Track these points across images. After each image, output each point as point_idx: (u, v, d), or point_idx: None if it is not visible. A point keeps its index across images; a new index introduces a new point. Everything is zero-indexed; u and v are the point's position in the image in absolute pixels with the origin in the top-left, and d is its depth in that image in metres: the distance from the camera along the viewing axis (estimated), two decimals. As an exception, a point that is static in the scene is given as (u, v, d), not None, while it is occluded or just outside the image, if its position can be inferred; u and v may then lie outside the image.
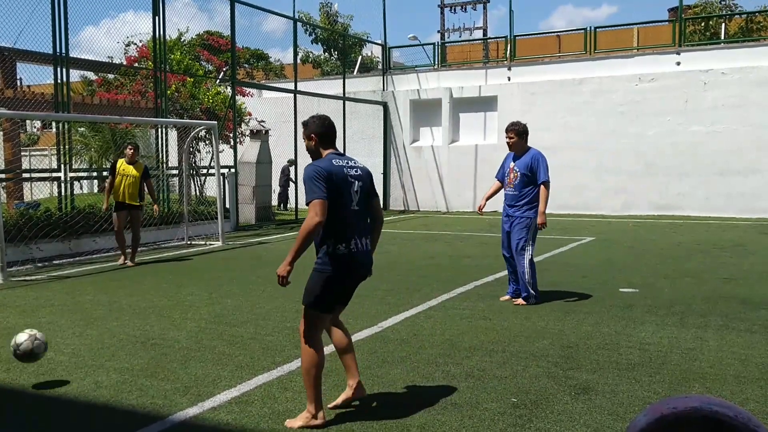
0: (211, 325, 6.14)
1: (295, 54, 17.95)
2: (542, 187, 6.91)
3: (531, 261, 6.96)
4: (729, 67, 16.98)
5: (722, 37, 20.76)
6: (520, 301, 6.97)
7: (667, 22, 22.45)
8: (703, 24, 22.24)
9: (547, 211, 6.97)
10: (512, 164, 7.14)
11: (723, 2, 22.70)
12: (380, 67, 23.28)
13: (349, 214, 4.00)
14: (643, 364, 4.87)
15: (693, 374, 4.63)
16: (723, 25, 21.38)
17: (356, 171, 4.08)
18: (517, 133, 7.12)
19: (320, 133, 4.14)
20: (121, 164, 10.00)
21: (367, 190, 4.09)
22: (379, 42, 22.75)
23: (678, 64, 17.73)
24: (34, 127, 28.85)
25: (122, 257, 10.13)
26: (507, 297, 7.19)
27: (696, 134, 17.12)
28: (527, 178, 6.96)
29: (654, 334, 5.66)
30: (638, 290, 7.56)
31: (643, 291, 7.52)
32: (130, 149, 10.05)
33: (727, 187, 16.76)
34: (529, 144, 7.09)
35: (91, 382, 4.60)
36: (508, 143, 7.20)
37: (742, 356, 5.01)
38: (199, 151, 16.51)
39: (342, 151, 4.24)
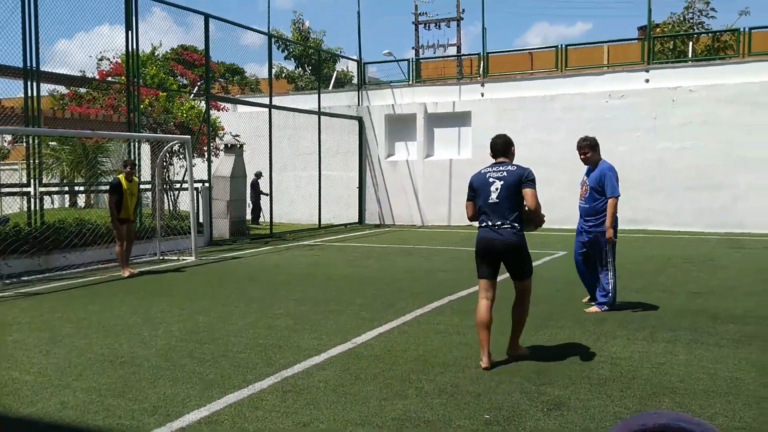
0: (181, 343, 6.06)
1: (270, 69, 17.95)
2: (611, 201, 7.07)
3: (614, 273, 7.23)
4: (696, 84, 17.33)
5: (690, 56, 21.18)
6: (594, 308, 7.25)
7: (636, 41, 22.88)
8: (671, 42, 22.67)
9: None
10: (585, 178, 7.34)
11: (690, 21, 23.18)
12: (355, 82, 23.36)
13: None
14: (614, 378, 4.90)
15: (663, 388, 4.67)
16: (690, 43, 21.82)
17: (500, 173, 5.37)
18: (590, 148, 7.32)
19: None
20: (124, 182, 10.44)
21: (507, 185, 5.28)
22: (354, 57, 22.85)
23: (647, 81, 18.05)
24: (4, 141, 28.42)
25: (126, 270, 10.35)
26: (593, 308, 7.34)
27: (665, 150, 17.41)
28: (593, 191, 7.17)
29: (625, 349, 5.71)
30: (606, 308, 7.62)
31: (614, 305, 7.57)
32: (130, 168, 10.61)
33: (696, 202, 17.05)
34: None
35: (56, 402, 4.51)
36: (583, 160, 7.38)
37: (711, 370, 5.07)
38: (172, 165, 16.37)
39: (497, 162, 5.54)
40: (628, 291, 8.55)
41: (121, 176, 10.56)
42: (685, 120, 17.25)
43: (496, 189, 5.28)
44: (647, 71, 18.18)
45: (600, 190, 7.15)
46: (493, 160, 5.57)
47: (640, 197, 17.24)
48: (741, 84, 16.88)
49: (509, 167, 5.38)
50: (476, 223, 5.51)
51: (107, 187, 12.22)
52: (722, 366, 5.18)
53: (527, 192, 5.24)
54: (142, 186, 14.23)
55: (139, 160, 14.00)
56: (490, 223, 5.29)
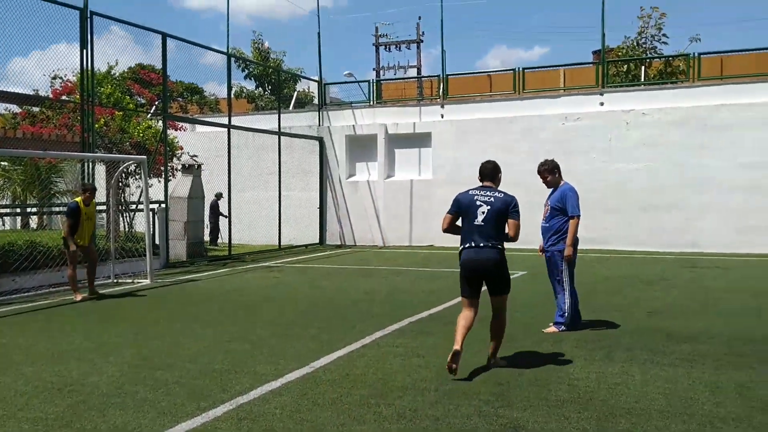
0: (134, 369, 5.89)
1: (229, 88, 17.84)
2: (572, 221, 7.23)
3: (572, 291, 7.36)
4: (649, 107, 17.78)
5: (642, 80, 21.74)
6: (551, 329, 7.35)
7: (591, 64, 23.38)
8: (624, 66, 23.25)
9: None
10: (547, 199, 7.52)
11: (643, 46, 23.82)
12: (316, 102, 23.36)
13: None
14: (571, 400, 4.92)
15: (619, 409, 4.70)
16: (643, 67, 22.41)
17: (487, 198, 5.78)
18: (549, 171, 7.52)
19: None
20: (82, 206, 10.23)
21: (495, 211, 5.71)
22: (315, 78, 22.87)
23: (602, 104, 18.45)
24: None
25: (78, 294, 10.08)
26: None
27: (620, 171, 17.77)
28: (555, 210, 7.34)
29: (582, 369, 5.74)
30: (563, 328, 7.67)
31: (579, 324, 7.62)
32: (89, 193, 10.42)
33: (651, 222, 17.41)
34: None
35: (0, 434, 4.33)
36: (545, 183, 7.57)
37: (666, 390, 5.13)
38: (128, 186, 16.06)
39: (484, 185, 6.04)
40: (585, 311, 8.61)
41: (79, 199, 10.32)
42: (639, 142, 17.66)
43: (483, 212, 5.73)
44: (602, 94, 18.60)
45: (560, 210, 7.33)
46: (480, 183, 6.06)
47: (596, 217, 17.52)
48: (691, 107, 17.38)
49: (496, 193, 5.83)
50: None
51: (63, 209, 11.93)
52: (677, 386, 5.25)
53: (512, 222, 5.73)
54: (97, 207, 13.94)
55: (94, 181, 13.71)
56: (473, 244, 5.70)
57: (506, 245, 5.78)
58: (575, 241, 7.36)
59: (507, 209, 5.72)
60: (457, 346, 5.43)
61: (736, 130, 16.81)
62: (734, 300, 9.54)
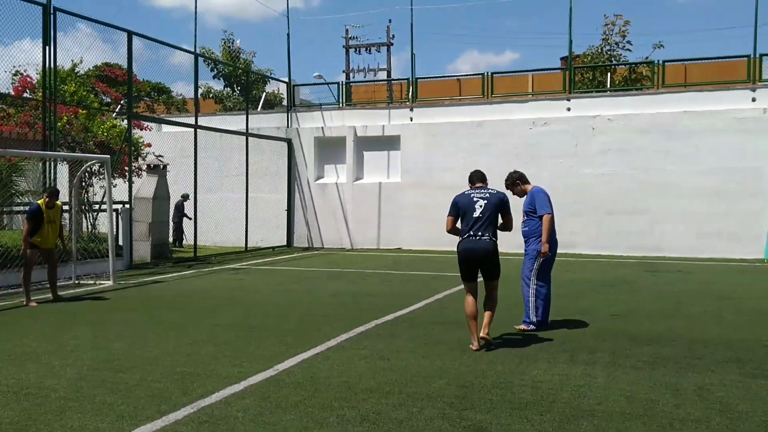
0: (93, 372, 5.76)
1: (196, 88, 17.63)
2: (543, 219, 7.45)
3: (537, 290, 7.59)
4: (614, 113, 18.05)
5: (608, 86, 22.07)
6: (521, 326, 7.57)
7: (558, 70, 23.66)
8: (591, 73, 23.57)
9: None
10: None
11: (608, 53, 24.17)
12: (285, 103, 23.23)
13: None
14: (535, 402, 4.94)
15: (582, 411, 4.73)
16: (609, 74, 22.75)
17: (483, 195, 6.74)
18: (512, 185, 7.91)
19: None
20: (44, 209, 9.88)
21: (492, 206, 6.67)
22: (284, 79, 22.75)
23: (568, 109, 18.68)
24: None
25: (30, 301, 9.62)
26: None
27: (586, 176, 18.00)
28: (529, 214, 7.60)
29: (546, 372, 5.78)
30: (532, 327, 7.73)
31: (537, 329, 7.69)
32: (53, 197, 10.09)
33: (615, 226, 17.66)
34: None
35: (-49, 439, 4.20)
36: (515, 195, 7.88)
37: (628, 393, 5.19)
38: (92, 186, 15.77)
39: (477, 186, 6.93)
40: (550, 314, 8.69)
41: (41, 201, 10.02)
42: (604, 147, 17.91)
43: (480, 206, 6.64)
44: (569, 100, 18.83)
45: (533, 212, 7.60)
46: (470, 186, 6.98)
47: (562, 221, 17.59)
48: (655, 114, 17.68)
49: (490, 190, 6.78)
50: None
51: (24, 209, 11.62)
52: (639, 388, 5.31)
53: (507, 217, 6.77)
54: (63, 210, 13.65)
55: (56, 181, 13.44)
56: (471, 234, 6.61)
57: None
58: (555, 242, 7.64)
59: (501, 204, 6.67)
60: (475, 344, 6.50)
61: (699, 136, 17.16)
62: (696, 303, 9.71)
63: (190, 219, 18.38)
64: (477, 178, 7.02)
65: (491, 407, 4.81)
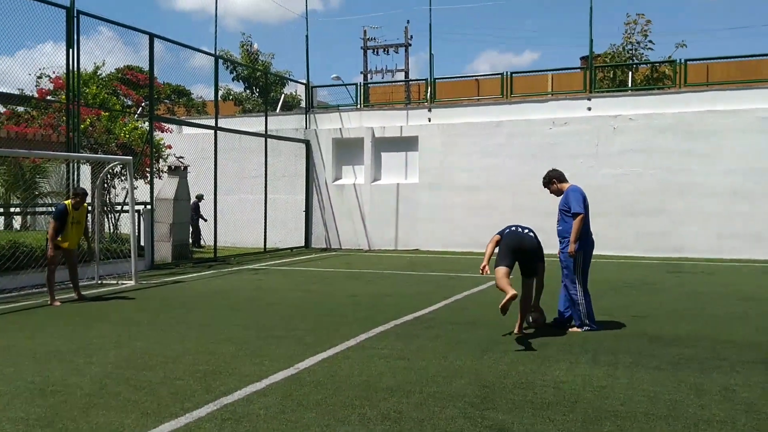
0: (117, 370, 5.83)
1: (216, 90, 17.74)
2: (574, 219, 7.43)
3: (584, 291, 7.56)
4: (635, 113, 17.91)
5: (629, 85, 21.90)
6: (574, 329, 7.51)
7: (578, 70, 23.54)
8: (611, 72, 23.41)
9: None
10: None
11: (630, 52, 24.01)
12: (303, 105, 23.31)
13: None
14: (557, 402, 4.92)
15: (605, 412, 4.70)
16: (630, 73, 22.58)
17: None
18: (548, 183, 7.87)
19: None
20: (70, 209, 9.93)
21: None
22: (302, 81, 22.84)
23: (589, 109, 18.55)
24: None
25: (54, 300, 9.70)
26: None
27: (606, 176, 17.87)
28: (564, 213, 7.58)
29: (568, 372, 5.74)
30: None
31: (558, 330, 7.65)
32: (80, 198, 10.09)
33: (636, 227, 17.51)
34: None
35: (-21, 434, 4.26)
36: (553, 194, 7.91)
37: (651, 393, 5.14)
38: (114, 188, 15.94)
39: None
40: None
41: (68, 202, 10.07)
42: (625, 147, 17.77)
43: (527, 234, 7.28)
44: (589, 99, 18.70)
45: (567, 212, 7.57)
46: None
47: (582, 222, 17.60)
48: (677, 113, 17.51)
49: (531, 233, 7.33)
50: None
51: (47, 209, 11.72)
52: (662, 389, 5.26)
53: (541, 267, 7.43)
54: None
55: (79, 181, 13.59)
56: (519, 229, 7.24)
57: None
58: (591, 242, 7.65)
59: (540, 252, 7.37)
60: (511, 292, 6.68)
61: (721, 136, 16.97)
62: (719, 304, 9.60)
63: (206, 221, 18.50)
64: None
65: (513, 407, 4.80)
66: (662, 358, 6.28)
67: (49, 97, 15.39)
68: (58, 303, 9.65)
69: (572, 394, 5.12)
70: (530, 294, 7.30)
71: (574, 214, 7.44)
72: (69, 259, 10.20)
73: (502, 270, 7.04)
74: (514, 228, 7.31)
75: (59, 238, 9.87)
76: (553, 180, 7.84)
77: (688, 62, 19.10)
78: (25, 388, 5.27)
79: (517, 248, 7.11)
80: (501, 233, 7.33)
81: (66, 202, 10.19)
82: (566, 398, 5.01)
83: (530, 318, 7.48)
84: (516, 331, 7.19)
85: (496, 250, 7.27)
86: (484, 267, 7.09)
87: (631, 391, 5.20)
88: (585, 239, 7.54)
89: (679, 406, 4.84)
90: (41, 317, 8.69)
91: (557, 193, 7.83)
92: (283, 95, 27.88)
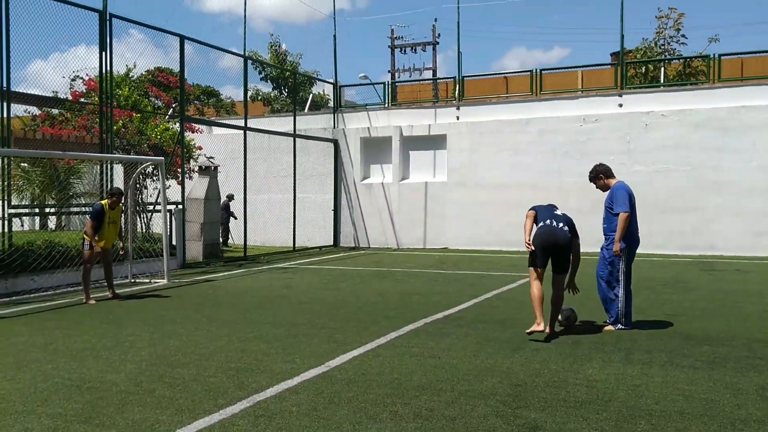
0: (151, 367, 5.92)
1: (246, 91, 17.90)
2: (619, 217, 7.33)
3: (626, 290, 7.41)
4: (668, 109, 17.65)
5: (661, 81, 21.58)
6: (609, 327, 7.41)
7: (609, 66, 23.25)
8: (643, 68, 23.09)
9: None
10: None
11: (662, 47, 23.66)
12: (331, 104, 23.40)
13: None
14: (590, 401, 4.87)
15: (639, 411, 4.65)
16: (662, 69, 22.26)
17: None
18: (594, 178, 7.74)
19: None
20: (107, 209, 10.04)
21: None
22: (330, 80, 22.92)
23: (620, 105, 18.33)
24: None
25: (89, 298, 9.87)
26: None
27: (638, 173, 17.63)
28: (609, 210, 7.49)
29: (601, 371, 5.69)
30: (583, 325, 7.63)
31: (590, 328, 7.59)
32: (116, 197, 10.17)
33: (668, 225, 17.26)
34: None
35: (20, 428, 4.36)
36: (599, 189, 7.78)
37: (686, 392, 5.07)
38: (146, 188, 16.18)
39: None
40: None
41: (105, 202, 10.15)
42: (658, 144, 17.53)
43: (557, 219, 7.11)
44: (620, 96, 18.48)
45: (612, 209, 7.48)
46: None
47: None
48: (711, 109, 17.23)
49: (563, 218, 7.16)
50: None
51: (81, 209, 11.86)
52: (697, 388, 5.18)
53: (577, 243, 7.24)
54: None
55: (112, 182, 13.81)
56: (551, 223, 7.02)
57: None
58: (636, 240, 7.51)
59: (573, 234, 7.14)
60: (540, 324, 6.78)
61: (756, 132, 16.66)
62: (754, 303, 9.42)
63: (236, 218, 18.69)
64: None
65: (545, 406, 4.77)
66: (697, 356, 6.19)
67: (82, 100, 15.66)
68: (93, 301, 9.83)
69: (605, 392, 5.07)
70: (561, 292, 7.17)
71: (619, 212, 7.31)
72: (104, 259, 10.35)
73: (535, 273, 7.02)
74: (548, 222, 7.06)
75: (96, 238, 10.02)
76: (600, 175, 7.70)
77: (722, 57, 18.75)
78: (63, 385, 5.38)
79: (550, 245, 6.98)
80: (536, 209, 7.27)
81: (102, 202, 10.31)
82: (599, 397, 4.96)
83: (562, 316, 7.38)
84: (547, 330, 7.08)
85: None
86: (529, 243, 7.04)
87: (665, 389, 5.14)
88: (631, 238, 7.41)
89: (715, 405, 4.77)
90: (77, 315, 8.85)
91: (603, 188, 7.70)
92: (311, 95, 28.01)
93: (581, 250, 7.33)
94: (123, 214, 10.87)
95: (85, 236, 10.08)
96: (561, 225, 7.02)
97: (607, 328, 7.47)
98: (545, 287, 7.10)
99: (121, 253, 11.06)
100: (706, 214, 17.04)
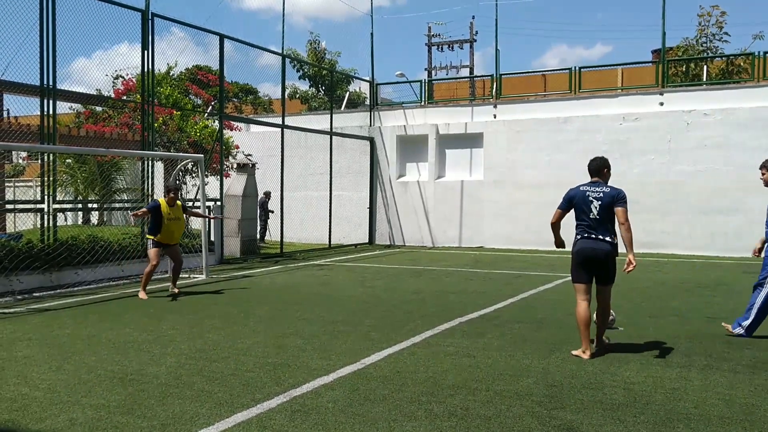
0: (191, 361, 6.04)
1: (283, 89, 18.07)
2: None
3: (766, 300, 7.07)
4: (711, 108, 17.28)
5: (704, 79, 21.15)
6: (727, 326, 7.30)
7: (650, 64, 22.87)
8: (685, 66, 22.66)
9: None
10: None
11: (704, 45, 23.18)
12: (367, 102, 23.47)
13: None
14: (627, 404, 4.83)
15: (677, 414, 4.59)
16: (704, 67, 21.80)
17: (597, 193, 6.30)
18: (764, 168, 7.31)
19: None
20: (164, 206, 10.06)
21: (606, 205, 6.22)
22: (367, 78, 22.99)
23: (661, 104, 18.02)
24: (20, 158, 28.75)
25: (144, 293, 9.96)
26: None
27: (679, 173, 17.33)
28: None
29: (638, 373, 5.63)
30: (622, 329, 7.54)
31: (628, 329, 7.50)
32: (173, 194, 10.14)
33: (710, 226, 16.92)
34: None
35: (65, 419, 4.49)
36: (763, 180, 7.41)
37: (726, 396, 4.99)
38: (185, 184, 16.47)
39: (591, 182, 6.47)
40: (641, 315, 8.47)
41: (162, 200, 10.19)
42: (700, 143, 17.19)
43: (596, 207, 6.26)
44: (662, 94, 18.16)
45: None
46: (590, 178, 6.55)
47: (653, 220, 17.13)
48: (755, 108, 16.82)
49: (605, 188, 6.33)
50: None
51: (124, 205, 12.07)
52: (737, 392, 5.09)
53: (618, 210, 6.20)
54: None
55: (153, 178, 14.09)
56: (593, 236, 6.27)
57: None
58: None
59: (613, 201, 6.21)
60: (587, 352, 6.19)
61: (803, 131, 16.19)
62: (799, 307, 9.17)
63: (272, 212, 18.94)
64: (593, 170, 6.53)
65: (582, 407, 4.73)
66: (738, 360, 6.07)
67: (124, 97, 16.01)
68: (145, 296, 9.89)
69: (643, 395, 5.02)
70: (607, 304, 6.45)
71: None
72: (170, 255, 10.44)
73: (581, 288, 6.34)
74: (587, 234, 6.27)
75: (158, 235, 10.02)
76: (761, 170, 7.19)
77: (766, 54, 18.29)
78: (105, 377, 5.52)
79: (590, 260, 6.26)
80: (573, 196, 6.39)
81: (160, 199, 10.27)
82: (637, 399, 4.91)
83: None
84: (596, 344, 6.44)
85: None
86: (559, 244, 6.71)
87: (704, 393, 5.06)
88: None
89: (756, 410, 4.68)
90: (119, 308, 9.06)
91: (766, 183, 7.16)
92: (348, 93, 28.12)
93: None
94: (186, 212, 10.78)
95: (148, 236, 10.23)
96: (602, 238, 6.20)
97: (725, 324, 7.33)
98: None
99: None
100: (750, 215, 16.60)
